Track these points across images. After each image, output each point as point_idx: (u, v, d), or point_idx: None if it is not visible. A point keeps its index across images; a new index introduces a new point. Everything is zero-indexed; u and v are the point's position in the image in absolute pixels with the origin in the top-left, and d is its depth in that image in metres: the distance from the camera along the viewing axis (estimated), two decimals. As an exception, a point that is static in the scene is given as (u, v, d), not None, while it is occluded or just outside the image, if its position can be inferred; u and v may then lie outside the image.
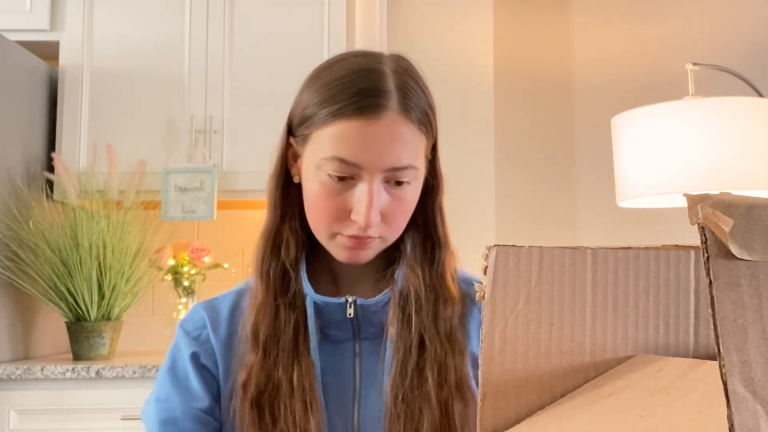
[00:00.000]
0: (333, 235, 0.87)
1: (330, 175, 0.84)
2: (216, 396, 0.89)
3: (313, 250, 0.93)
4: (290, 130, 0.91)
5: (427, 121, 0.87)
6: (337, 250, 0.88)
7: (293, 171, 0.92)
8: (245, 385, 0.85)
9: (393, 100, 0.83)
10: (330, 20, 2.47)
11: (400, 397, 0.84)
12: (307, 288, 0.88)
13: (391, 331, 0.87)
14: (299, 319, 0.88)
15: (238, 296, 0.95)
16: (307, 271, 0.91)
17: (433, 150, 0.92)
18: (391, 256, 0.92)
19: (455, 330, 0.88)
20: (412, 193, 0.88)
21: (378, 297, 0.88)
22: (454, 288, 0.90)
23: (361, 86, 0.83)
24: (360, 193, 0.84)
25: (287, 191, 0.92)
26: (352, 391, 0.88)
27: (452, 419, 0.84)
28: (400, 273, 0.89)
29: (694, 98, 1.93)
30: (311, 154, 0.86)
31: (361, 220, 0.83)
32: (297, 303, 0.88)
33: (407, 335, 0.87)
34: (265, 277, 0.90)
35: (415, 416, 0.83)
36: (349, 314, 0.88)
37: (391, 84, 0.84)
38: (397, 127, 0.83)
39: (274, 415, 0.84)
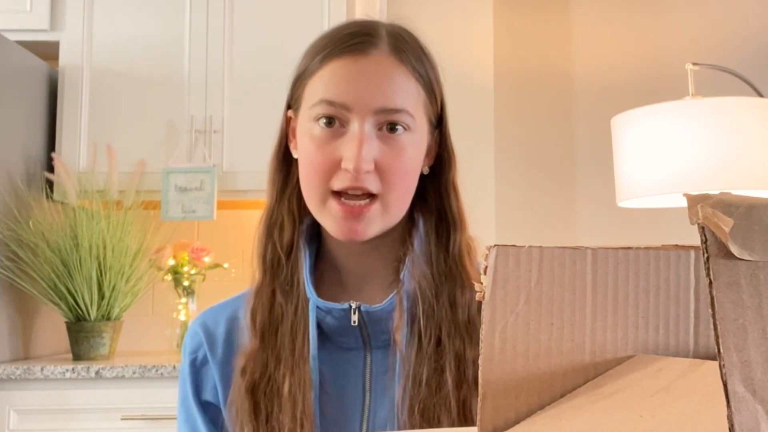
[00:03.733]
0: (324, 199, 0.79)
1: (318, 121, 0.78)
2: (222, 424, 0.85)
3: (320, 247, 0.87)
4: (288, 105, 0.87)
5: (424, 73, 0.82)
6: (332, 222, 0.79)
7: (292, 146, 0.86)
8: (243, 371, 0.81)
9: (383, 42, 0.79)
10: (330, 20, 2.47)
11: (416, 409, 0.77)
12: (310, 292, 0.81)
13: (398, 338, 0.78)
14: (299, 317, 0.81)
15: (237, 303, 0.88)
16: (314, 268, 0.84)
17: (442, 123, 0.86)
18: (402, 251, 0.83)
19: (473, 317, 0.80)
20: (410, 144, 0.79)
21: (384, 303, 0.80)
22: (472, 270, 0.82)
23: (352, 31, 0.80)
24: (350, 135, 0.77)
25: (286, 170, 0.86)
26: (360, 404, 0.81)
27: (469, 417, 0.77)
28: (406, 272, 0.81)
29: (694, 98, 1.93)
30: (304, 110, 0.81)
31: (351, 162, 0.75)
32: (295, 295, 0.82)
33: (418, 342, 0.79)
34: (261, 261, 0.85)
35: (432, 426, 0.76)
36: (354, 322, 0.79)
37: (383, 31, 0.81)
38: (386, 66, 0.78)
39: (268, 411, 0.78)
